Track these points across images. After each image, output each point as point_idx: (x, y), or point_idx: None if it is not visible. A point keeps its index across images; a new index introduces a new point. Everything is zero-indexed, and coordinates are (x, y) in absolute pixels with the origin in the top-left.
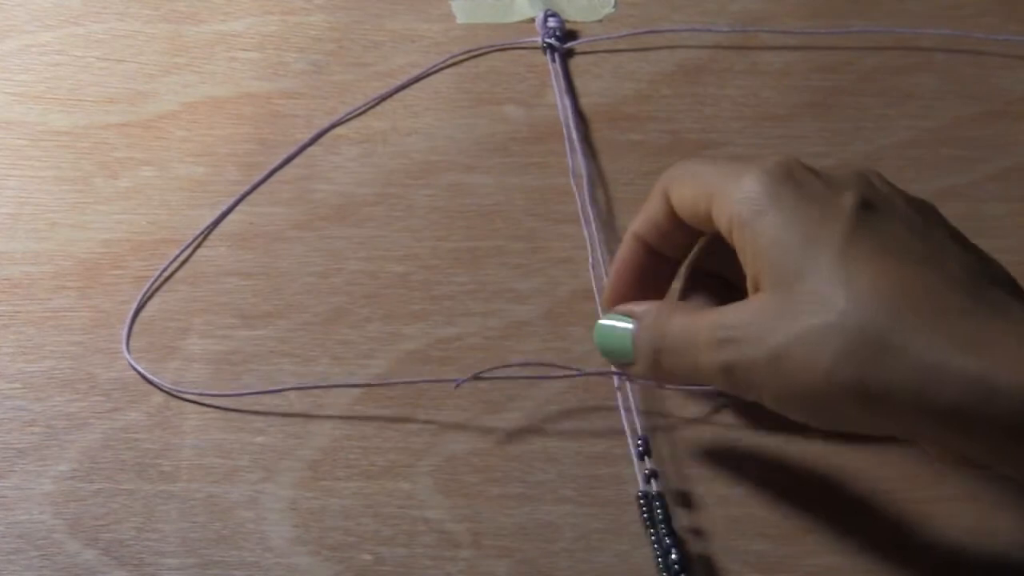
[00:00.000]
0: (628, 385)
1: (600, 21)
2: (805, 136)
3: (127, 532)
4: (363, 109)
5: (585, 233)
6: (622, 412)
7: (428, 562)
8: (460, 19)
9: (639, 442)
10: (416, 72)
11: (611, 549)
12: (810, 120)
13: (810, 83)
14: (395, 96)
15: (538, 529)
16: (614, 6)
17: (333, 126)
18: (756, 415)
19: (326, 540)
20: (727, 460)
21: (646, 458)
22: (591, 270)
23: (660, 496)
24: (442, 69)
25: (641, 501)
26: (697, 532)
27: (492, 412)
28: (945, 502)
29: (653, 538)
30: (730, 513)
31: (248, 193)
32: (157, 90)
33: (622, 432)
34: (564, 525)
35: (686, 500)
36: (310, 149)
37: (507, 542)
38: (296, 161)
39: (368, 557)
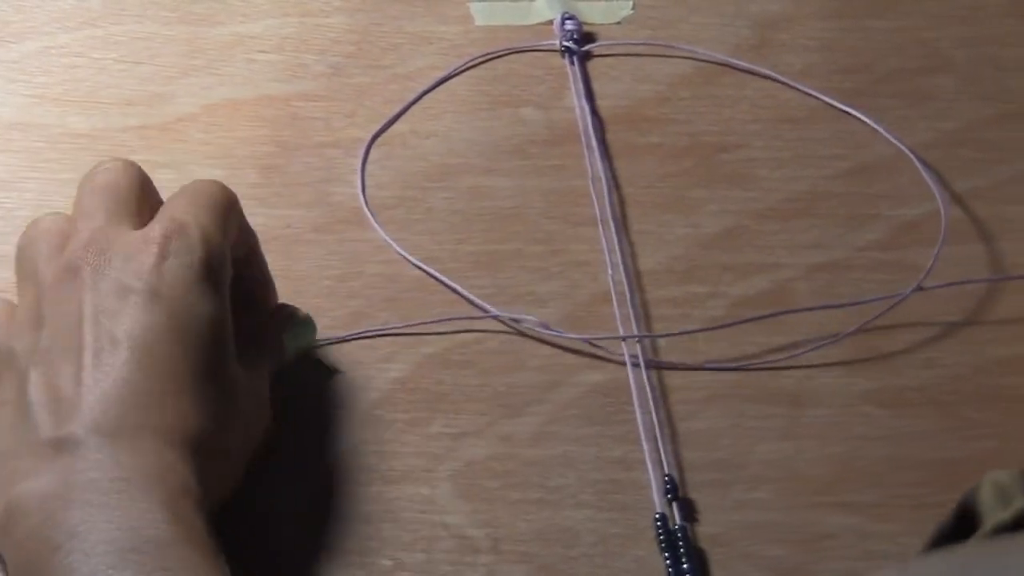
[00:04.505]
0: (648, 390)
1: (618, 23)
2: (822, 139)
3: None
4: (396, 115)
5: (602, 236)
6: (639, 425)
7: (448, 567)
8: (479, 21)
9: (666, 479)
10: (435, 74)
11: (630, 554)
12: (828, 122)
13: (829, 85)
14: (413, 99)
15: (557, 534)
16: (632, 8)
17: (379, 134)
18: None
19: (345, 545)
20: (745, 465)
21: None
22: (609, 273)
23: (683, 529)
24: (461, 72)
25: (660, 535)
26: (715, 538)
27: (511, 417)
28: None
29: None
30: (748, 518)
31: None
32: (175, 92)
33: (642, 437)
34: (583, 530)
35: (704, 504)
36: (330, 152)
37: (526, 547)
38: (315, 164)
39: (388, 562)
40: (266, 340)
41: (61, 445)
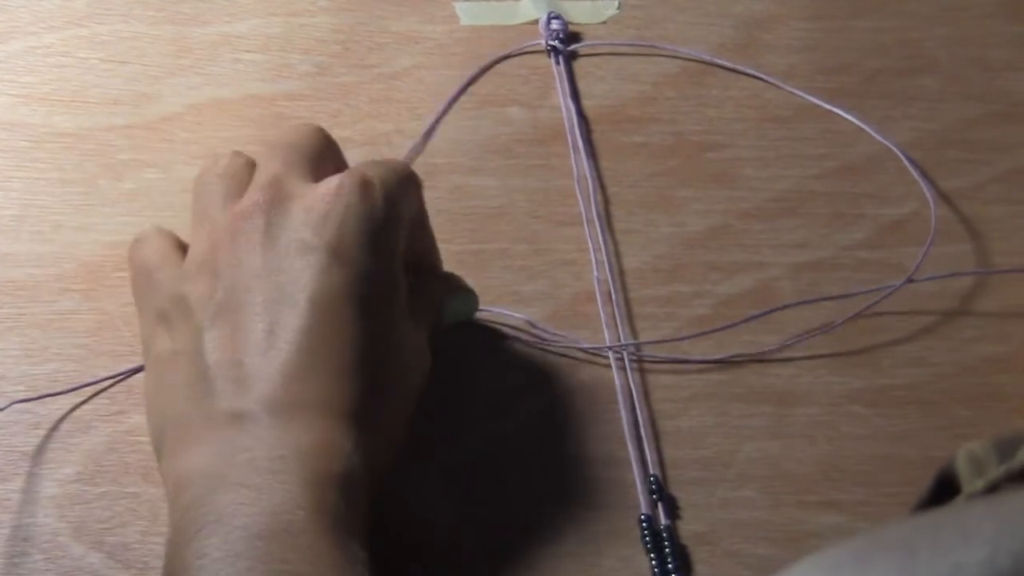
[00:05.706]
0: (633, 388)
1: (604, 23)
2: (808, 138)
3: (132, 535)
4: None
5: (587, 235)
6: (624, 423)
7: (433, 565)
8: (464, 21)
9: (651, 478)
10: (421, 74)
11: (615, 553)
12: (813, 122)
13: (814, 84)
14: (398, 99)
15: (542, 532)
16: (618, 8)
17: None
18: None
19: None
20: (731, 464)
21: (659, 504)
22: (594, 272)
23: (668, 529)
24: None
25: (646, 534)
26: (700, 536)
27: (496, 416)
28: None
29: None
30: (733, 517)
31: None
32: (161, 92)
33: (627, 436)
34: (568, 529)
35: (689, 503)
36: None
37: (511, 546)
38: None
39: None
40: (430, 294)
41: (235, 418)
